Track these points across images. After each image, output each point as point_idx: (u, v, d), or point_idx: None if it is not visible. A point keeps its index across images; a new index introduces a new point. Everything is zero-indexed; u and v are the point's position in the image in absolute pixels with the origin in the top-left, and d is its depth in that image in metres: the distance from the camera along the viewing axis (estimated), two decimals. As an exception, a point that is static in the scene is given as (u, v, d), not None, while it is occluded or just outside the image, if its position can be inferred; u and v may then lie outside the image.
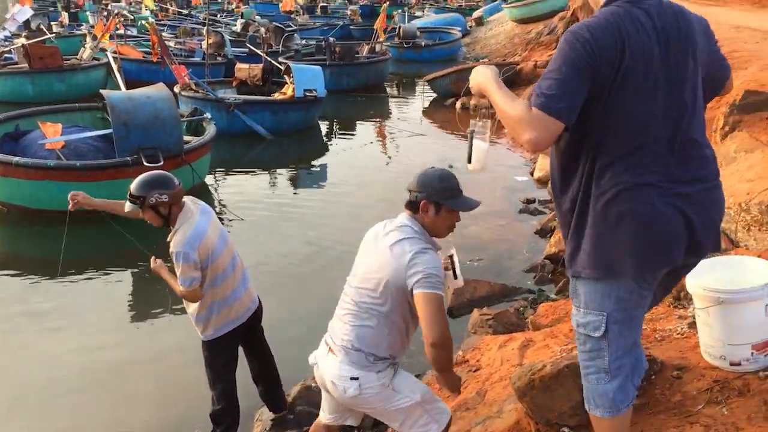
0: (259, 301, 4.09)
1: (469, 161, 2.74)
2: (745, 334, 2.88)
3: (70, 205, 4.04)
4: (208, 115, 10.18)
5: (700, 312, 3.00)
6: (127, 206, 3.68)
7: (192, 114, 10.23)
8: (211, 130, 9.39)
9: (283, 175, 10.80)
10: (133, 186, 3.65)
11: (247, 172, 10.74)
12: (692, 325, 3.41)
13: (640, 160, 2.17)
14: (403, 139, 12.87)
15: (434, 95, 16.65)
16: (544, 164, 9.79)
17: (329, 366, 2.96)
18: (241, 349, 4.10)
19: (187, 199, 3.79)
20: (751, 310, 2.85)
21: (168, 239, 3.69)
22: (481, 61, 19.72)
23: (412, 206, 2.97)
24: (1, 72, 14.99)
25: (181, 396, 4.77)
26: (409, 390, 2.95)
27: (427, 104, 16.47)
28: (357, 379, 2.87)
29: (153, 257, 3.86)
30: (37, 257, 7.58)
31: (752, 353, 2.89)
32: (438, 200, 2.92)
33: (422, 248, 2.83)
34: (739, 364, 2.93)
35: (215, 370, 3.94)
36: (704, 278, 2.99)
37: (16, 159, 7.81)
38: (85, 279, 6.91)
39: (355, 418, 3.23)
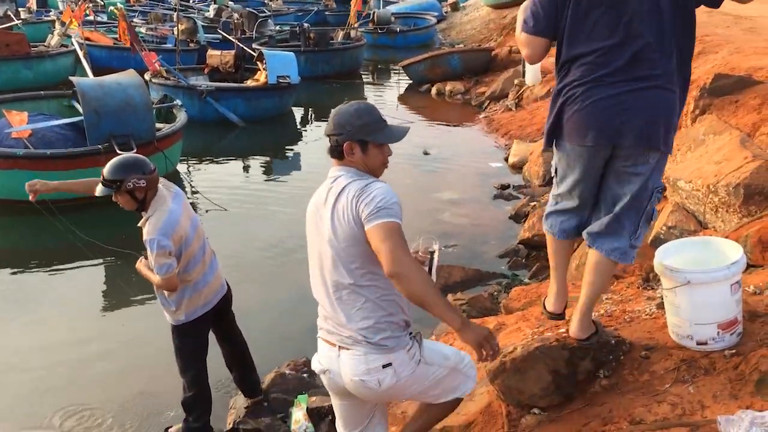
0: (228, 286, 4.06)
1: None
2: (712, 313, 2.91)
3: (31, 197, 3.89)
4: (178, 101, 10.06)
5: (668, 292, 3.04)
6: (100, 190, 3.58)
7: (162, 101, 10.11)
8: (182, 117, 9.28)
9: (257, 162, 10.72)
10: (109, 169, 3.54)
11: (219, 160, 10.65)
12: (660, 305, 3.45)
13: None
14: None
15: (409, 82, 16.61)
16: (518, 150, 9.82)
17: (349, 365, 2.60)
18: (212, 337, 4.07)
19: (160, 184, 3.72)
20: (717, 290, 2.89)
21: (140, 224, 3.64)
22: (456, 46, 19.68)
23: (336, 152, 2.67)
24: (-35, 59, 14.66)
25: (153, 384, 4.73)
26: (441, 357, 2.74)
27: (402, 90, 16.42)
28: (390, 365, 2.56)
29: (141, 258, 3.74)
30: (6, 248, 7.44)
31: (718, 332, 2.93)
32: (362, 137, 2.62)
33: (366, 183, 2.56)
34: (705, 344, 2.97)
35: (185, 357, 3.91)
36: (671, 259, 3.03)
37: None
38: (52, 270, 6.81)
39: (383, 421, 2.93)
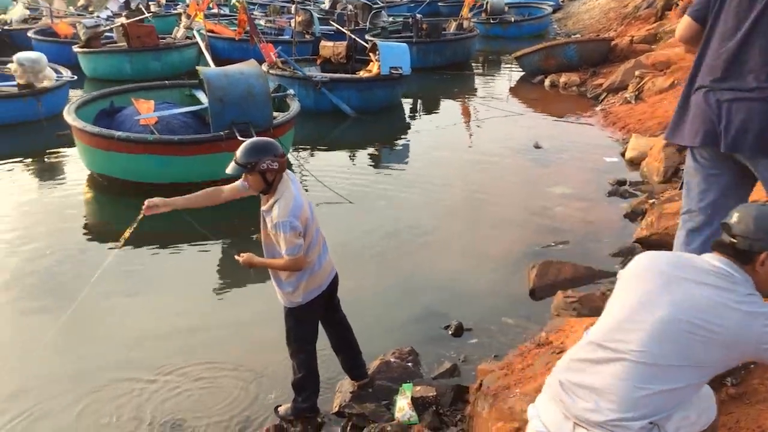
0: (335, 271, 4.15)
1: None
2: None
3: (146, 212, 3.92)
4: (291, 91, 10.36)
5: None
6: (231, 168, 3.72)
7: (276, 90, 10.42)
8: (294, 106, 9.57)
9: (366, 152, 10.85)
10: (244, 151, 3.67)
11: (330, 150, 10.85)
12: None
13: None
14: (488, 118, 12.66)
15: (522, 73, 16.27)
16: (637, 144, 9.39)
17: None
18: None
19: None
20: None
21: (263, 208, 3.78)
22: (572, 37, 19.06)
23: (741, 255, 2.28)
24: (102, 51, 15.74)
25: (262, 365, 4.89)
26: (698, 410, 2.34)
27: (514, 82, 16.11)
28: None
29: (239, 255, 3.86)
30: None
31: None
32: None
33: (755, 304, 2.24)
34: None
35: (297, 340, 4.03)
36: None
37: (118, 133, 8.21)
38: (171, 251, 7.20)
39: None
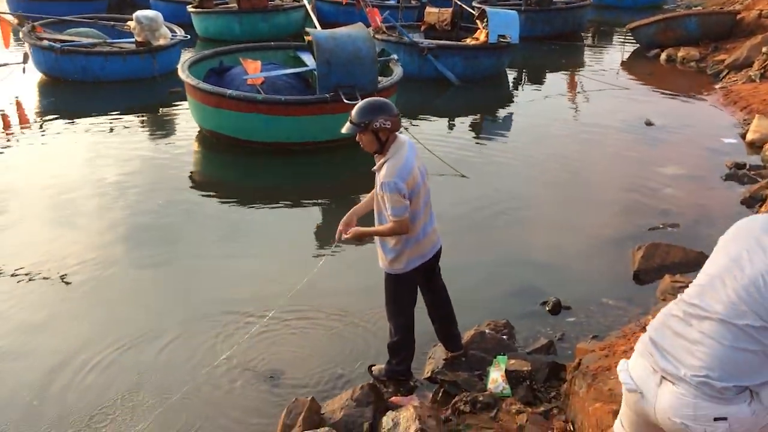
0: (440, 242, 4.12)
1: None
2: None
3: (339, 237, 3.96)
4: (395, 56, 10.30)
5: None
6: (346, 128, 3.76)
7: (379, 55, 10.39)
8: (398, 71, 9.53)
9: (468, 122, 10.70)
10: (359, 110, 3.71)
11: (432, 117, 10.75)
12: None
13: None
14: (597, 91, 12.16)
15: (636, 46, 15.49)
16: (760, 126, 8.77)
17: (669, 401, 2.26)
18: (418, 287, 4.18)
19: (398, 134, 3.85)
20: None
21: (374, 168, 3.81)
22: (694, 8, 17.91)
23: None
24: (213, 11, 16.23)
25: (359, 324, 4.97)
26: None
27: (626, 55, 15.36)
28: (724, 419, 2.18)
29: (340, 231, 3.93)
30: (238, 185, 8.23)
31: None
32: None
33: None
34: None
35: (396, 303, 4.06)
36: None
37: (229, 92, 8.47)
38: (278, 208, 7.40)
39: None
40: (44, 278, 5.61)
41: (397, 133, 3.82)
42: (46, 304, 5.27)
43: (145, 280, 5.69)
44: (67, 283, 5.56)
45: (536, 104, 11.70)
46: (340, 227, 3.97)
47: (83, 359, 4.57)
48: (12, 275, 5.67)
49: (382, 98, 3.91)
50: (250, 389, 4.28)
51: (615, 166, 8.41)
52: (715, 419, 2.19)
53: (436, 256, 4.06)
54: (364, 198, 4.08)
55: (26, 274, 5.67)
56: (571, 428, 3.70)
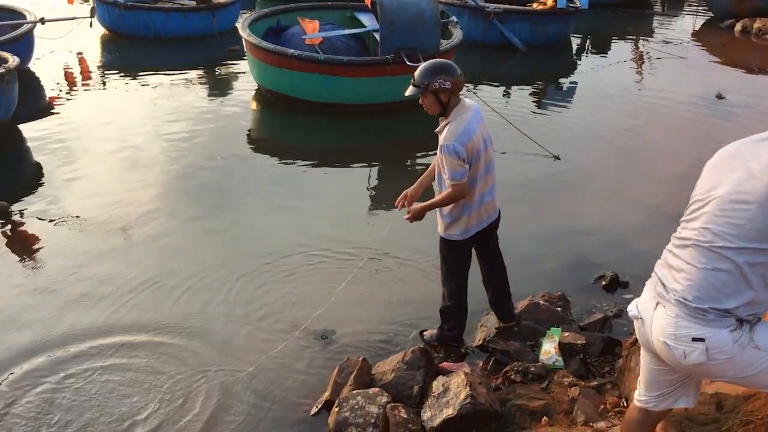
0: (499, 211, 4.06)
1: None
2: None
3: (401, 206, 3.99)
4: (454, 18, 10.09)
5: None
6: (409, 91, 3.74)
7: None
8: (458, 34, 9.36)
9: (530, 90, 10.45)
10: (419, 71, 3.68)
11: (494, 84, 10.54)
12: None
13: None
14: (664, 62, 11.70)
15: (709, 16, 14.80)
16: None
17: (658, 322, 2.33)
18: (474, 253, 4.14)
19: (465, 98, 3.80)
20: None
21: (436, 130, 3.76)
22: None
23: None
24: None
25: (413, 287, 4.96)
26: None
27: (698, 26, 14.71)
28: (702, 341, 2.21)
29: (401, 201, 3.94)
30: (296, 144, 8.27)
31: None
32: None
33: None
34: None
35: (450, 269, 4.03)
36: None
37: (290, 51, 8.46)
38: (336, 168, 7.42)
39: (692, 395, 2.53)
40: (109, 229, 5.78)
41: (463, 97, 3.75)
42: (110, 254, 5.43)
43: (203, 234, 5.80)
44: (130, 233, 5.73)
45: (601, 73, 11.34)
46: (401, 198, 3.97)
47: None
48: (78, 225, 5.86)
49: (444, 59, 3.85)
50: (302, 347, 4.34)
51: (682, 140, 8.12)
52: (693, 339, 2.23)
53: (494, 224, 4.01)
54: (427, 169, 4.04)
55: (90, 225, 5.86)
56: (625, 404, 3.64)
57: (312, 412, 3.80)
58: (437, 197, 3.80)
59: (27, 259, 5.38)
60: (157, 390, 3.96)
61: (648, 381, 2.58)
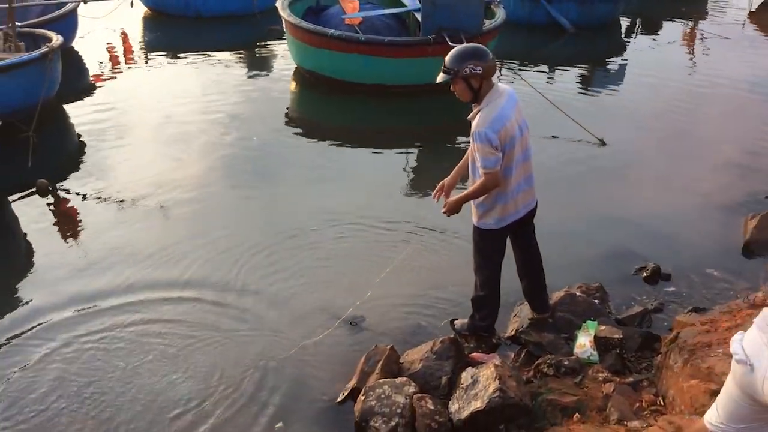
0: (536, 201, 3.91)
1: None
2: None
3: (440, 196, 3.90)
4: None
5: None
6: (440, 77, 3.62)
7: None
8: (500, 13, 9.12)
9: (576, 72, 10.13)
10: (450, 57, 3.57)
11: (541, 65, 10.25)
12: None
13: None
14: (718, 44, 11.23)
15: (769, -5, 14.17)
16: None
17: None
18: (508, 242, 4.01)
19: (498, 83, 3.67)
20: None
21: (469, 117, 3.64)
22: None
23: None
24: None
25: (443, 276, 4.85)
26: None
27: (756, 5, 14.06)
28: None
29: (437, 192, 3.87)
30: (334, 125, 8.21)
31: None
32: None
33: None
34: None
35: (484, 258, 3.92)
36: None
37: (331, 31, 8.36)
38: (373, 149, 7.35)
39: None
40: (148, 204, 5.87)
41: (497, 82, 3.62)
42: (155, 225, 5.56)
43: (242, 206, 5.88)
44: (168, 208, 5.82)
45: (651, 54, 10.98)
46: (437, 189, 3.89)
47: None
48: (122, 199, 5.96)
49: (475, 44, 3.74)
50: (330, 332, 4.28)
51: (734, 125, 7.79)
52: None
53: (530, 214, 3.87)
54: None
55: (135, 199, 5.96)
56: (661, 403, 3.50)
57: (338, 400, 3.75)
58: (471, 188, 3.68)
59: (71, 232, 5.54)
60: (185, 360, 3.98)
61: (731, 413, 2.31)
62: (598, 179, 6.50)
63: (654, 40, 12.19)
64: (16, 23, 7.88)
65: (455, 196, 3.78)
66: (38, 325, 4.33)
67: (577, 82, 9.66)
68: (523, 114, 3.68)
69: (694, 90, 8.98)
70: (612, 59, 10.84)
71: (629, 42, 12.12)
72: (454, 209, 3.76)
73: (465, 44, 3.73)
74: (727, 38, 11.44)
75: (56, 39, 7.81)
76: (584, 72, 10.17)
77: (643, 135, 7.53)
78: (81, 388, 3.82)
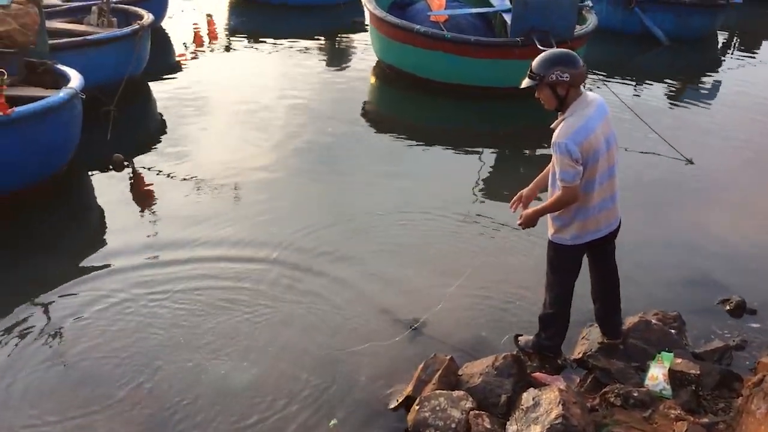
0: (620, 220, 3.69)
1: None
2: None
3: (516, 207, 3.78)
4: (589, 3, 9.50)
5: None
6: (525, 82, 3.45)
7: (573, 1, 9.65)
8: (592, 19, 8.79)
9: (666, 87, 9.67)
10: (537, 62, 3.40)
11: (631, 76, 9.84)
12: None
13: None
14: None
15: None
16: None
17: None
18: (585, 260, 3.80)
19: (588, 92, 3.47)
20: None
21: (552, 126, 3.46)
22: None
23: None
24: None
25: (513, 291, 4.66)
26: None
27: None
28: None
29: (515, 202, 3.74)
30: (412, 122, 8.10)
31: None
32: None
33: None
34: None
35: (556, 275, 3.73)
36: None
37: (417, 27, 8.24)
38: (450, 150, 7.20)
39: None
40: (224, 185, 5.97)
41: (586, 91, 3.41)
42: (223, 206, 5.66)
43: (314, 195, 5.93)
44: (240, 191, 5.91)
45: (748, 73, 10.40)
46: (515, 200, 3.74)
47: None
48: (196, 177, 6.08)
49: (565, 50, 3.51)
50: (389, 333, 4.17)
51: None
52: None
53: (612, 234, 3.65)
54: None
55: (209, 180, 6.06)
56: (739, 450, 3.23)
57: (391, 406, 3.64)
58: (548, 200, 3.50)
59: (144, 205, 5.70)
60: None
61: None
62: (683, 200, 6.17)
63: (753, 57, 11.54)
64: (110, -1, 8.11)
65: (532, 207, 3.61)
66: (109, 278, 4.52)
67: (667, 97, 9.23)
68: (612, 127, 3.46)
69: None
70: (706, 75, 10.30)
71: (725, 58, 11.52)
72: (529, 222, 3.58)
73: (554, 49, 3.53)
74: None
75: (147, 17, 7.99)
76: (675, 87, 9.70)
77: (734, 157, 7.11)
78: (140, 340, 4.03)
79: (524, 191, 3.75)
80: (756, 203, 6.11)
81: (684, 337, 4.21)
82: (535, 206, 3.62)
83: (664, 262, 5.09)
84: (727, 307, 4.59)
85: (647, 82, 9.74)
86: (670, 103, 8.97)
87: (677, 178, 6.55)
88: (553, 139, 3.37)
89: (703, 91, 9.66)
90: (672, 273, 4.94)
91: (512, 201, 3.78)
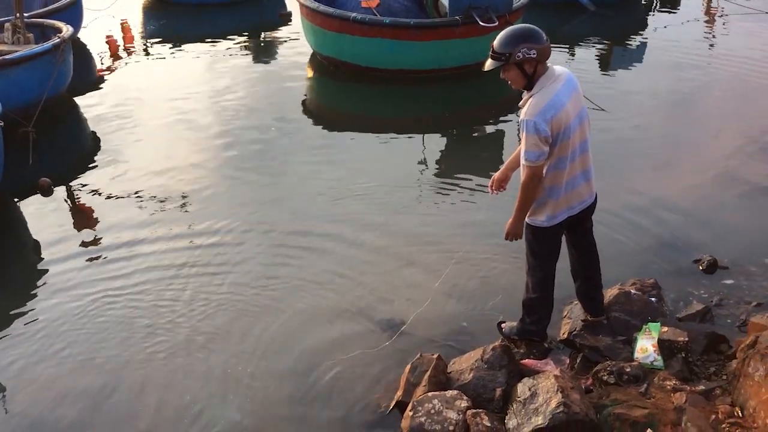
0: (596, 196, 3.59)
1: None
2: None
3: (494, 192, 3.69)
4: None
5: None
6: (488, 64, 3.29)
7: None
8: None
9: (594, 52, 9.71)
10: (498, 40, 3.23)
11: (560, 45, 9.82)
12: None
13: None
14: (741, 18, 10.81)
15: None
16: None
17: None
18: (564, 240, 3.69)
19: (555, 66, 3.33)
20: None
21: (519, 104, 3.31)
22: None
23: None
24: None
25: (491, 276, 4.56)
26: None
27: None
28: None
29: (491, 187, 3.65)
30: (355, 114, 7.92)
31: None
32: None
33: None
34: None
35: (537, 257, 3.61)
36: None
37: (353, 15, 7.97)
38: (398, 139, 7.05)
39: None
40: (167, 196, 5.69)
41: (551, 65, 3.28)
42: (171, 216, 5.41)
43: (266, 198, 5.70)
44: (186, 201, 5.60)
45: (673, 31, 10.57)
46: (490, 185, 3.65)
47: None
48: (136, 192, 5.75)
49: (527, 25, 3.35)
50: (370, 337, 4.00)
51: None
52: None
53: (588, 210, 3.55)
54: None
55: (148, 190, 5.77)
56: (739, 414, 3.19)
57: (382, 413, 3.47)
58: (517, 201, 3.37)
59: (80, 228, 5.32)
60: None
61: None
62: (640, 165, 6.14)
63: (674, 14, 11.74)
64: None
65: (510, 218, 3.46)
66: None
67: (601, 63, 9.28)
68: (583, 102, 3.34)
69: (724, 67, 8.66)
70: (634, 37, 10.41)
71: (651, 19, 11.67)
72: (515, 233, 3.46)
73: (514, 26, 3.37)
74: (752, 10, 11.00)
75: (66, 29, 7.47)
76: (604, 51, 9.75)
77: (679, 116, 7.23)
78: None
79: (496, 175, 3.62)
80: (709, 161, 6.17)
81: (663, 303, 4.17)
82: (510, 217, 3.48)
83: (630, 228, 5.06)
84: (700, 267, 4.59)
85: (577, 47, 9.76)
86: (605, 69, 9.04)
87: (625, 143, 6.54)
88: (520, 117, 3.23)
89: (633, 53, 9.73)
90: (641, 239, 4.93)
91: (488, 186, 3.66)
